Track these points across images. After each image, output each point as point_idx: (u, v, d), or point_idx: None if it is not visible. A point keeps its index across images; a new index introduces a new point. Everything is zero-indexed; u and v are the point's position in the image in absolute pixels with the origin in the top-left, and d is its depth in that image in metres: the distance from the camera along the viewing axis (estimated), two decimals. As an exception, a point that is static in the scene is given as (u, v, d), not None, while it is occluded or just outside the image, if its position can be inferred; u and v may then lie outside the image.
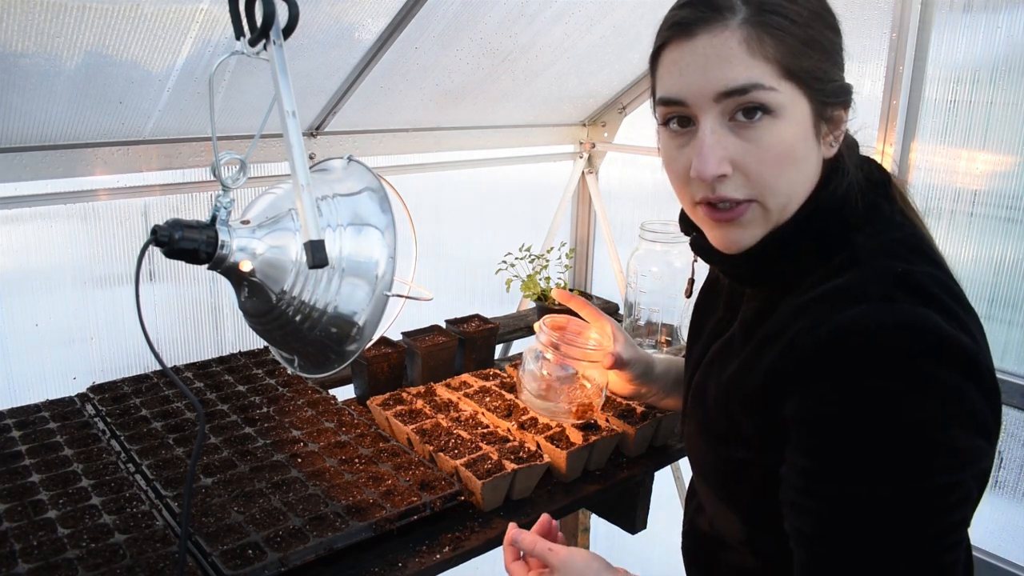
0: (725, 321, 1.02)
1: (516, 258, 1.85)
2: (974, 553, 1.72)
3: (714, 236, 0.91)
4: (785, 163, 0.84)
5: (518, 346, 2.16)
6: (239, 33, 0.95)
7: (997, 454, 1.65)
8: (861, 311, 0.77)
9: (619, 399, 1.48)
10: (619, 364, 1.27)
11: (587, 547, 2.28)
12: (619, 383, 1.33)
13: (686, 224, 1.00)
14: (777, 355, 0.82)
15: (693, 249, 1.00)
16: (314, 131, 1.73)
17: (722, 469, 0.95)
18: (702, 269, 1.16)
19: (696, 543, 1.09)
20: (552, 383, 1.34)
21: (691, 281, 1.22)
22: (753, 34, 0.80)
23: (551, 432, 1.36)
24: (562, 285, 1.89)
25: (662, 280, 1.78)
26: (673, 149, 0.88)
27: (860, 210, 0.88)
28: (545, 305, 1.87)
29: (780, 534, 0.86)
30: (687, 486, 1.16)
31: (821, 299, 0.82)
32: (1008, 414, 1.63)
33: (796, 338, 0.80)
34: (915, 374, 0.74)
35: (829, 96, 0.86)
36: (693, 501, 1.11)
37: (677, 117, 0.86)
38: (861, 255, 0.84)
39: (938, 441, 0.74)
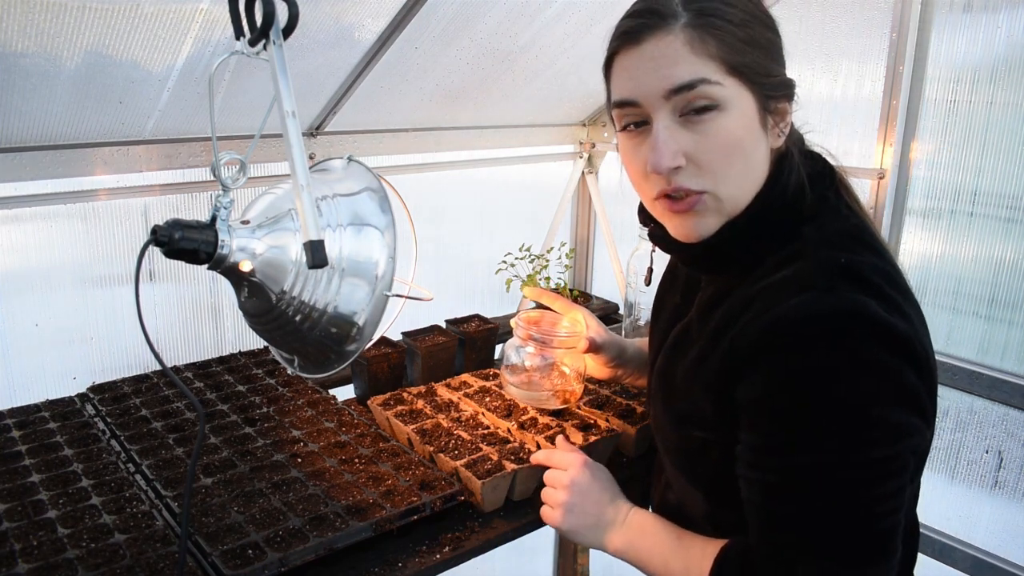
0: (682, 307, 1.08)
1: (516, 258, 1.85)
2: (975, 553, 1.74)
3: (673, 227, 0.96)
4: (734, 153, 0.89)
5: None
6: (239, 33, 0.95)
7: (997, 454, 1.66)
8: (804, 299, 0.83)
9: (598, 384, 1.55)
10: (593, 348, 1.35)
11: (585, 547, 2.27)
12: (596, 367, 1.41)
13: (644, 215, 1.05)
14: (730, 341, 0.88)
15: (651, 239, 1.06)
16: (314, 131, 1.73)
17: (685, 448, 1.01)
18: (661, 259, 1.23)
19: (666, 517, 1.14)
20: (533, 374, 1.42)
21: (650, 270, 1.30)
22: (695, 35, 0.86)
23: (551, 432, 1.36)
24: (562, 285, 1.90)
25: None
26: (631, 149, 0.94)
27: (810, 202, 0.93)
28: (543, 305, 1.87)
29: (739, 510, 0.92)
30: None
31: (770, 288, 0.87)
32: (1009, 414, 1.64)
33: (747, 325, 0.86)
34: (852, 355, 0.80)
35: (772, 90, 0.91)
36: (661, 478, 1.17)
37: (633, 121, 0.92)
38: (808, 246, 0.89)
39: (874, 416, 0.80)
